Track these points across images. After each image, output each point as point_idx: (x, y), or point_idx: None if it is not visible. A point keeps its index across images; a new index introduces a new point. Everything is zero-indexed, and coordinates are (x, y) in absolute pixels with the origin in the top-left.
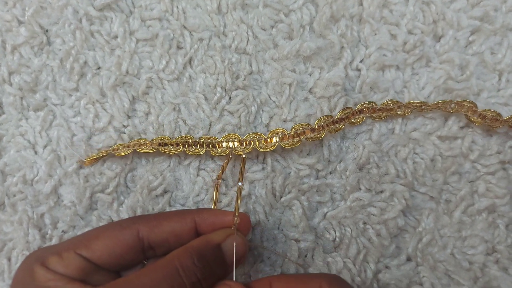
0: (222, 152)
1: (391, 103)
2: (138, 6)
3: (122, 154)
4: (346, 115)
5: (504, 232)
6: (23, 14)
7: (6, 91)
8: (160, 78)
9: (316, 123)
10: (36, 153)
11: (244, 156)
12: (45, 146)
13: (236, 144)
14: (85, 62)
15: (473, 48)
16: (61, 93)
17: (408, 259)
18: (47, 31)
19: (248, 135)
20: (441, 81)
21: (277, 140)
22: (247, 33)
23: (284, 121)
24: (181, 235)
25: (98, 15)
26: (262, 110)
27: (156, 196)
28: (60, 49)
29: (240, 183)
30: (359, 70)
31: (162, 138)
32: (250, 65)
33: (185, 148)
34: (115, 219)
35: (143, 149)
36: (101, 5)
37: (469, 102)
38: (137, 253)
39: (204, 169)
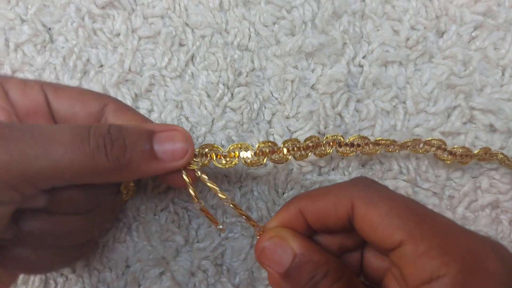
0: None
1: (359, 138)
2: (140, 4)
3: None
4: (313, 144)
5: (507, 228)
6: (26, 12)
7: None
8: (163, 76)
9: (283, 145)
10: None
11: (199, 173)
12: None
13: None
14: (88, 60)
15: (476, 44)
16: None
17: None
18: (49, 29)
19: (202, 146)
20: (444, 76)
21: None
22: (249, 29)
23: (287, 118)
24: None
25: (101, 13)
26: (265, 107)
27: None
28: (63, 47)
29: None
30: (361, 66)
31: None
32: (252, 61)
33: None
34: None
35: None
36: (103, 3)
37: (437, 140)
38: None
39: None
